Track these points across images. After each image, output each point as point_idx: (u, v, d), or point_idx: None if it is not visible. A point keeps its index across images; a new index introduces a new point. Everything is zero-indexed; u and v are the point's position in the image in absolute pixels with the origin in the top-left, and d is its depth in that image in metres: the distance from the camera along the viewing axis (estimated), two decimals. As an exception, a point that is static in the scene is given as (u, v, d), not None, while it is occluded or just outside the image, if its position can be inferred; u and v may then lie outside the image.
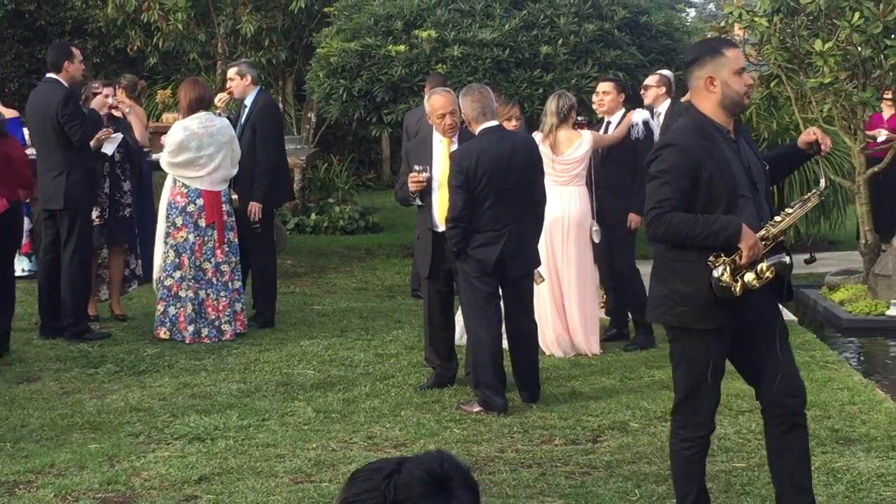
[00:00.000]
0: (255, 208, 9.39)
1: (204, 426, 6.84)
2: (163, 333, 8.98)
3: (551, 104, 8.64)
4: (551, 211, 8.55)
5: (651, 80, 9.82)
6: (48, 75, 9.09)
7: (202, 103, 9.12)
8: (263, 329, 9.46)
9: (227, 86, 10.00)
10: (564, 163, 8.59)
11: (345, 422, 7.00)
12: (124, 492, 5.84)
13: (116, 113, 9.49)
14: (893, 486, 5.86)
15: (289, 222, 15.14)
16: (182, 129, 9.00)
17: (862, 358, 9.47)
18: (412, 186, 7.55)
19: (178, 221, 8.99)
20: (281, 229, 14.04)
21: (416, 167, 7.58)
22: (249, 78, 9.69)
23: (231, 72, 9.87)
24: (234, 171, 9.23)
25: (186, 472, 6.08)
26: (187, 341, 8.92)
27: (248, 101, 9.72)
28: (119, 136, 9.88)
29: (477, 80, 11.34)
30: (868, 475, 6.01)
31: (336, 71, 12.55)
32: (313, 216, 15.40)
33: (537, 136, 8.60)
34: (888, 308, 10.09)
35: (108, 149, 9.65)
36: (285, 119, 16.12)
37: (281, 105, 16.10)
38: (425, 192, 7.60)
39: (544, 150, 8.43)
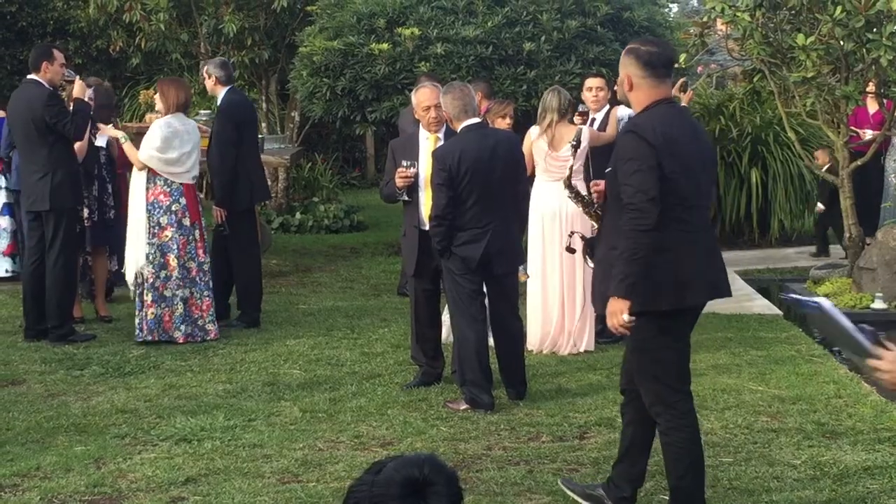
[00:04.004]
0: (216, 211, 9.41)
1: (190, 427, 6.82)
2: (155, 335, 8.94)
3: (552, 100, 8.59)
4: (547, 206, 8.56)
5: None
6: (29, 76, 9.05)
7: (186, 106, 9.15)
8: (249, 329, 9.44)
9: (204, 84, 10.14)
10: (560, 159, 8.56)
11: (331, 421, 6.99)
12: (111, 494, 5.82)
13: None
14: (880, 479, 5.87)
15: (273, 221, 15.11)
16: (165, 125, 8.97)
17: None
18: (399, 182, 7.55)
19: (163, 221, 8.96)
20: (266, 228, 14.02)
21: (404, 162, 7.57)
22: (215, 78, 9.71)
23: (203, 70, 9.95)
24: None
25: (173, 473, 6.06)
26: (181, 341, 8.89)
27: (218, 101, 9.81)
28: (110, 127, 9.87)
29: (460, 77, 11.35)
30: (854, 468, 6.03)
31: (319, 69, 12.54)
32: (298, 215, 15.37)
33: (536, 130, 8.59)
34: (873, 301, 10.12)
35: (101, 141, 9.63)
36: (269, 118, 16.11)
37: (264, 104, 16.09)
38: (412, 188, 7.59)
39: (541, 144, 8.42)
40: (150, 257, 8.95)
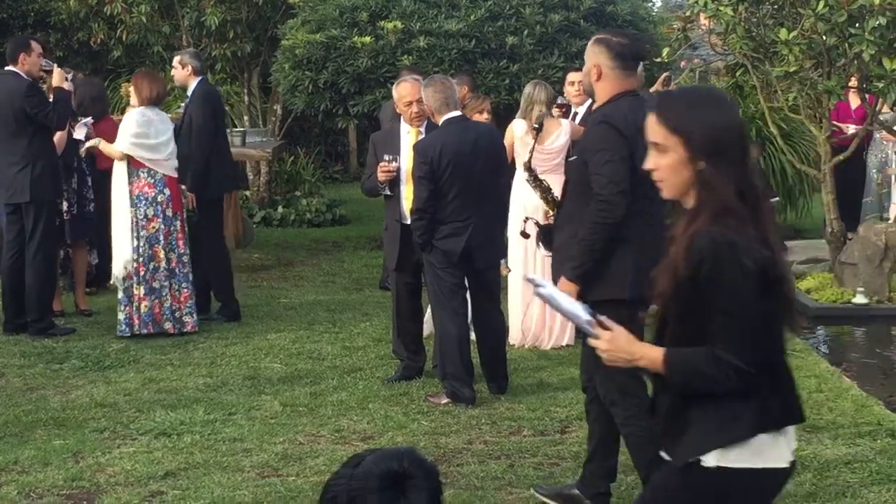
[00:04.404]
0: (189, 197, 9.39)
1: (170, 421, 6.79)
2: (150, 328, 8.90)
3: (539, 93, 8.54)
4: (530, 199, 8.52)
5: None
6: (7, 68, 9.01)
7: (160, 99, 9.11)
8: (230, 322, 9.40)
9: (171, 73, 10.12)
10: (546, 152, 8.53)
11: (312, 415, 6.96)
12: (89, 488, 5.79)
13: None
14: (860, 473, 5.88)
15: (255, 215, 15.06)
16: (140, 114, 8.93)
17: (829, 346, 9.49)
18: (381, 176, 7.52)
19: (150, 212, 8.92)
20: (248, 222, 13.97)
21: (386, 156, 7.55)
22: (191, 68, 9.75)
23: (175, 60, 10.00)
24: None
25: (152, 467, 6.03)
26: (171, 331, 8.86)
27: (189, 91, 9.83)
28: (89, 119, 9.82)
29: (443, 70, 11.31)
30: (835, 462, 6.03)
31: (302, 63, 12.49)
32: (280, 209, 15.33)
33: (522, 124, 8.54)
34: (854, 296, 10.12)
35: (80, 134, 9.57)
36: (251, 111, 16.05)
37: (246, 98, 16.03)
38: (394, 182, 7.57)
39: (526, 138, 8.39)
40: (141, 250, 8.90)
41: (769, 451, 3.18)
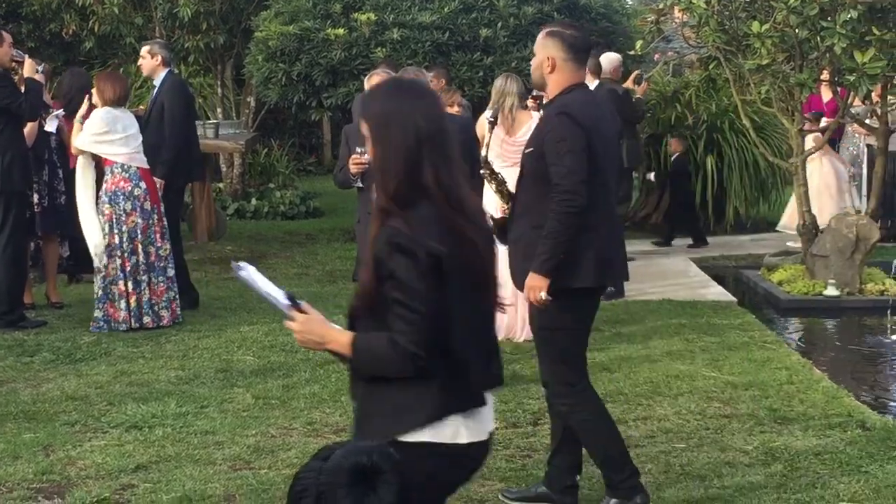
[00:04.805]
0: (158, 184, 9.36)
1: (141, 414, 6.76)
2: (148, 322, 8.88)
3: (511, 85, 8.53)
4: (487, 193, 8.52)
5: None
6: (-23, 58, 8.94)
7: (123, 100, 9.02)
8: (193, 309, 9.36)
9: (139, 63, 10.08)
10: (516, 144, 8.52)
11: (284, 408, 6.95)
12: (59, 481, 5.76)
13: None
14: (830, 465, 5.91)
15: (229, 207, 15.02)
16: (106, 112, 8.87)
17: (800, 338, 9.54)
18: (354, 168, 7.50)
19: (128, 207, 8.87)
20: (221, 215, 13.93)
21: (359, 149, 7.53)
22: (160, 58, 9.79)
23: (143, 50, 9.98)
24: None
25: (123, 460, 6.00)
26: (150, 325, 8.87)
27: (156, 81, 9.85)
28: (61, 112, 9.76)
29: (417, 63, 11.30)
30: (805, 453, 6.06)
31: (275, 54, 12.46)
32: (254, 201, 15.29)
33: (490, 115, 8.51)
34: (825, 288, 10.18)
35: (51, 126, 9.52)
36: (224, 103, 16.00)
37: (220, 89, 15.97)
38: (366, 174, 7.55)
39: (498, 130, 8.38)
40: (124, 245, 8.85)
41: (453, 430, 3.33)
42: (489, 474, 5.83)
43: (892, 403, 7.55)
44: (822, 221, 11.26)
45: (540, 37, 5.32)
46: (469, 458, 3.40)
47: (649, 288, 10.63)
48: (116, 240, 8.85)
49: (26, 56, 9.12)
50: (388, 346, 3.27)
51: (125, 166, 8.88)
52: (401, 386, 3.31)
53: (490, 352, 3.49)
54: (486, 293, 3.42)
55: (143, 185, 8.92)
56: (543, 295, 5.09)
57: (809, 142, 12.47)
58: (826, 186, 12.89)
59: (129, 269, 8.86)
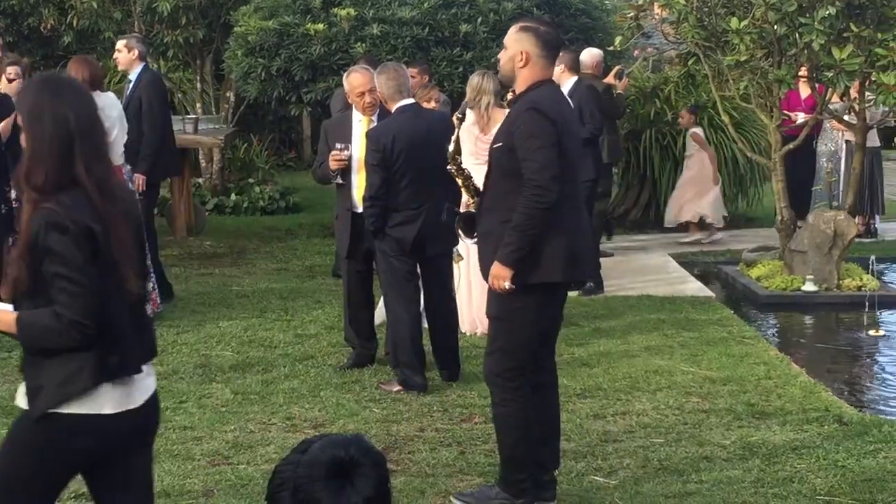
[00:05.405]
0: (139, 180, 9.34)
1: (120, 409, 6.73)
2: None
3: (487, 83, 8.50)
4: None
5: None
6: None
7: (94, 84, 8.87)
8: (168, 302, 9.34)
9: (114, 57, 10.00)
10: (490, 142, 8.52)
11: (263, 403, 6.95)
12: (37, 477, 5.73)
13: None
14: (807, 459, 5.94)
15: (208, 203, 14.97)
16: None
17: (778, 333, 9.59)
18: (333, 164, 7.50)
19: None
20: (200, 210, 13.90)
21: (338, 145, 7.53)
22: (137, 52, 9.76)
23: (119, 44, 9.91)
24: (124, 141, 9.10)
25: (101, 456, 5.98)
26: None
27: (132, 76, 9.81)
28: None
29: (396, 58, 11.29)
30: (783, 448, 6.10)
31: (254, 49, 12.43)
32: (233, 196, 15.25)
33: (470, 114, 8.49)
34: (803, 283, 10.22)
35: None
36: (203, 98, 15.95)
37: (199, 85, 15.91)
38: (346, 170, 7.55)
39: (472, 128, 8.38)
40: None
41: (108, 399, 3.57)
42: (468, 469, 5.85)
43: (868, 398, 7.60)
44: (679, 215, 12.98)
45: (513, 31, 5.32)
46: (115, 428, 3.60)
47: (628, 283, 10.66)
48: None
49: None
50: (53, 318, 3.46)
51: None
52: (63, 357, 3.52)
53: (141, 326, 3.71)
54: (133, 274, 3.60)
55: None
56: (507, 284, 5.11)
57: (691, 143, 13.11)
58: (693, 182, 13.13)
59: None
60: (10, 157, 9.22)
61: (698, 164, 13.23)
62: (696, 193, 13.16)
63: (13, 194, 9.40)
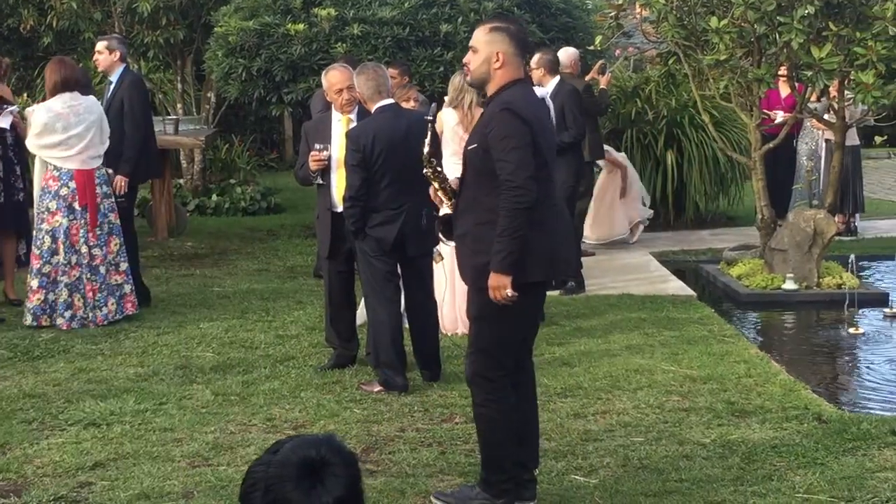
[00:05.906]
0: (121, 182, 9.32)
1: (100, 411, 6.72)
2: (44, 321, 8.78)
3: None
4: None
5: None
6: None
7: (68, 84, 8.85)
8: (145, 306, 9.31)
9: (94, 59, 9.93)
10: None
11: (244, 404, 6.93)
12: (16, 480, 5.71)
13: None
14: (787, 457, 5.95)
15: (189, 203, 14.95)
16: (45, 110, 8.78)
17: (759, 331, 9.61)
18: (313, 165, 7.50)
19: (52, 206, 8.77)
20: (181, 211, 13.87)
21: (317, 145, 7.53)
22: (118, 54, 9.69)
23: (100, 45, 9.83)
24: (105, 147, 9.07)
25: (81, 458, 5.97)
26: (63, 327, 8.72)
27: (113, 78, 9.72)
28: (15, 108, 9.68)
29: (377, 58, 11.29)
30: (762, 446, 6.11)
31: (235, 50, 12.42)
32: (214, 197, 15.23)
33: (452, 114, 8.47)
34: (784, 282, 10.26)
35: (4, 122, 9.44)
36: (184, 99, 15.92)
37: (180, 85, 15.89)
38: (326, 170, 7.55)
39: (457, 128, 8.37)
40: (39, 243, 8.78)
41: None
42: (448, 469, 5.85)
43: (847, 396, 7.62)
44: (589, 233, 12.44)
45: (482, 32, 5.29)
46: None
47: (609, 282, 10.67)
48: (34, 234, 8.80)
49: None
50: None
51: (57, 165, 8.78)
52: None
53: None
54: None
55: (72, 184, 8.76)
56: (509, 292, 5.08)
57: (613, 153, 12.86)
58: (605, 197, 12.84)
59: (38, 267, 8.74)
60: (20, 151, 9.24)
61: (613, 183, 12.96)
62: (610, 207, 12.95)
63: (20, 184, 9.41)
